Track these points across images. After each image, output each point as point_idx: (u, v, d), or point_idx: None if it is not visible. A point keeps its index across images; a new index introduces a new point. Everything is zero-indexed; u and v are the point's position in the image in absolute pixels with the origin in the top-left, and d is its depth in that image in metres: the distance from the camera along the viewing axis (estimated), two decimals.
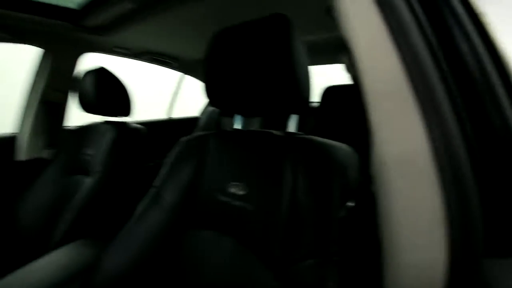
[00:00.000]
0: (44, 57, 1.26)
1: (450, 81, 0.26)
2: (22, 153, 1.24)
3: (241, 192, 0.58)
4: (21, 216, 1.11)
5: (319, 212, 0.46)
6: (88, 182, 0.98)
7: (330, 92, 1.55)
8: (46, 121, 1.30)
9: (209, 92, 0.62)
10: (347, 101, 1.46)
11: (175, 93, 2.14)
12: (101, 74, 1.08)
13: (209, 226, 0.60)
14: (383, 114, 0.28)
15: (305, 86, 0.54)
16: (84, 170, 1.10)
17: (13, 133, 1.28)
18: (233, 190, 0.59)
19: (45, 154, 1.29)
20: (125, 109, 1.17)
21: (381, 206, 0.28)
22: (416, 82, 0.26)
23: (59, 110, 1.34)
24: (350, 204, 0.41)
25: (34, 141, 1.27)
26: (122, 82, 1.16)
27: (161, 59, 1.62)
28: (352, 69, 0.37)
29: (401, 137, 0.26)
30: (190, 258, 0.59)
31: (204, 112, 2.38)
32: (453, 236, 0.22)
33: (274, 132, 0.64)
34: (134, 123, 1.18)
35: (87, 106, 1.15)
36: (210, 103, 0.65)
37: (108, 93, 1.09)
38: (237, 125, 0.73)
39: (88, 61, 1.37)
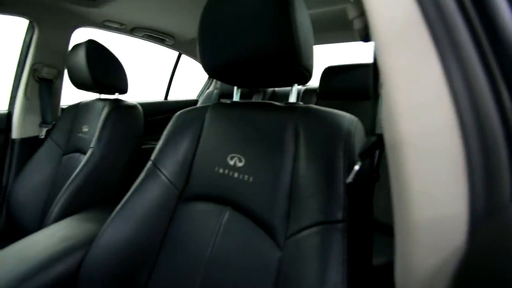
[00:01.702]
0: (31, 30, 1.21)
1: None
2: (16, 131, 1.22)
3: (240, 164, 0.56)
4: (18, 194, 1.10)
5: (324, 179, 0.44)
6: (84, 159, 0.96)
7: (330, 72, 1.52)
8: (40, 98, 1.26)
9: (204, 60, 0.59)
10: (345, 81, 1.44)
11: (172, 74, 2.08)
12: (91, 47, 1.03)
13: (207, 198, 0.59)
14: (395, 59, 0.25)
15: (307, 53, 0.52)
16: (80, 148, 1.08)
17: (7, 110, 1.24)
18: (231, 162, 0.58)
19: (40, 132, 1.26)
20: (121, 86, 1.14)
21: (390, 159, 0.27)
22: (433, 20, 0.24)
23: (53, 88, 1.30)
24: (356, 168, 0.39)
25: (28, 119, 1.24)
26: (116, 57, 1.12)
27: (155, 35, 1.56)
28: (359, 22, 0.34)
29: (415, 83, 0.24)
30: (188, 230, 0.58)
31: (202, 94, 2.33)
32: (475, 187, 0.21)
33: (274, 103, 0.62)
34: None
35: (79, 83, 1.11)
36: (207, 73, 0.62)
37: (100, 68, 1.05)
38: (236, 97, 0.71)
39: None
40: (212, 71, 0.61)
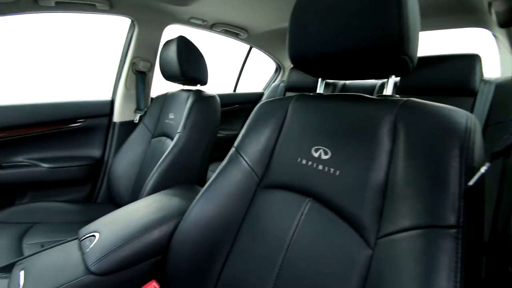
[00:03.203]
0: (132, 28, 1.40)
1: None
2: (117, 115, 1.44)
3: (325, 157, 0.55)
4: (116, 168, 1.31)
5: (431, 179, 0.40)
6: (172, 143, 1.08)
7: None
8: (136, 88, 1.46)
9: (292, 50, 0.59)
10: (433, 75, 1.27)
11: (242, 68, 2.16)
12: (182, 43, 1.14)
13: (288, 187, 0.60)
14: None
15: (413, 41, 0.47)
16: (166, 133, 1.23)
17: (111, 98, 1.48)
18: (316, 154, 0.57)
19: (134, 117, 1.47)
20: (203, 78, 1.24)
21: None
22: None
23: (146, 79, 1.49)
24: (482, 170, 0.35)
25: (126, 106, 1.45)
26: (200, 52, 1.22)
27: (231, 30, 1.64)
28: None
29: None
30: (267, 216, 0.60)
31: (268, 87, 2.37)
32: None
33: (365, 95, 0.59)
34: None
35: (169, 75, 1.24)
36: (292, 64, 0.62)
37: (188, 62, 1.16)
38: (320, 89, 0.69)
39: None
40: (299, 62, 0.60)
